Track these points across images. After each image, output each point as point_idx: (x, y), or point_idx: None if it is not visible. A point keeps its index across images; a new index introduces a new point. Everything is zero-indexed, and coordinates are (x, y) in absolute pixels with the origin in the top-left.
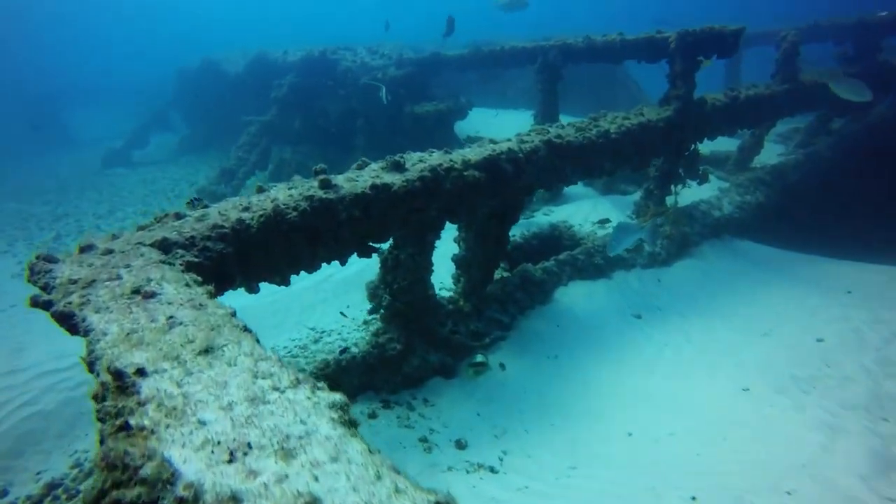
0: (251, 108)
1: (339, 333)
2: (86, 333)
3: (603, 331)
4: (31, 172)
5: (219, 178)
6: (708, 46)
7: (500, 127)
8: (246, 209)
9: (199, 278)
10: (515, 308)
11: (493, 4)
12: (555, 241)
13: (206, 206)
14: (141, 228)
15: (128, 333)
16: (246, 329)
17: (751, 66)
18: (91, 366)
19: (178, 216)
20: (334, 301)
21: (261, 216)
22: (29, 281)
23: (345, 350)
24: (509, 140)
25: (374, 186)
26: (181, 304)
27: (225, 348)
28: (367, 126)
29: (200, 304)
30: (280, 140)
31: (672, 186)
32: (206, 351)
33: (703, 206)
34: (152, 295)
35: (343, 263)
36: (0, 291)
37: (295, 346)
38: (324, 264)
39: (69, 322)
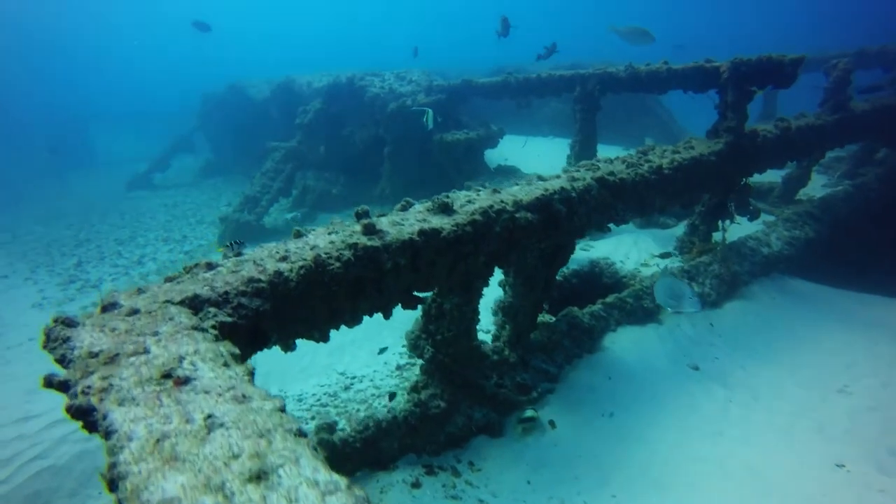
0: (276, 133)
1: (372, 380)
2: (107, 436)
3: (660, 385)
4: (57, 194)
5: (242, 205)
6: (763, 76)
7: (529, 155)
8: (284, 259)
9: (237, 350)
10: (562, 357)
11: (613, 31)
12: (595, 278)
13: (239, 254)
14: (169, 280)
15: (158, 440)
16: (301, 433)
17: (784, 93)
18: (112, 484)
19: (210, 266)
20: (365, 342)
21: (301, 268)
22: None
23: (393, 395)
24: (558, 177)
25: (422, 232)
26: (220, 395)
27: (281, 471)
28: (394, 153)
29: (244, 396)
30: (304, 166)
31: (720, 222)
32: (258, 477)
33: (750, 242)
34: (186, 381)
35: (387, 316)
36: (18, 323)
37: (324, 394)
38: None
39: (88, 418)
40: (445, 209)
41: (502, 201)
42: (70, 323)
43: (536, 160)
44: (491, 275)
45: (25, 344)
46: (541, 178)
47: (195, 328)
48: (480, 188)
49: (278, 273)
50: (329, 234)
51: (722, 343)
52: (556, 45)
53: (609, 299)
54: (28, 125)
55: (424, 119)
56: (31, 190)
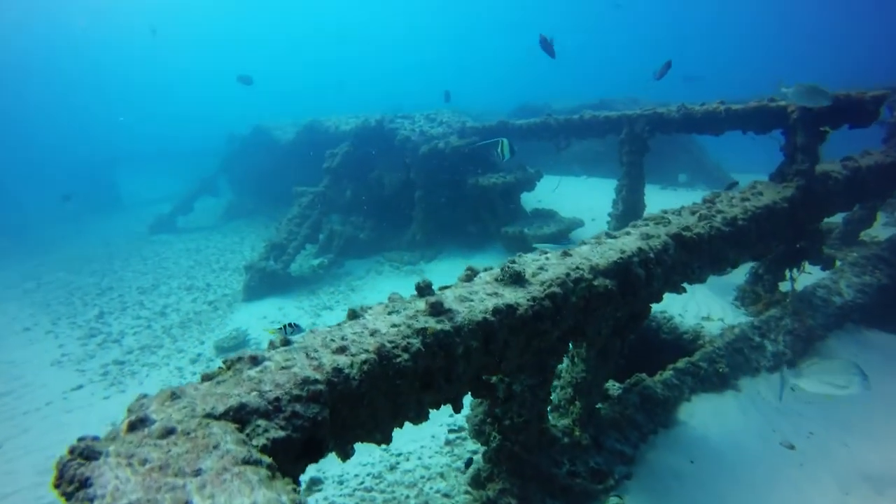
0: (299, 177)
1: (420, 458)
2: None
3: (755, 470)
4: (82, 238)
5: (268, 253)
6: (839, 115)
7: (564, 197)
8: (342, 350)
9: (297, 491)
10: (636, 434)
11: (782, 91)
12: (652, 334)
13: (287, 342)
14: (208, 378)
15: None
16: None
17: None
18: None
19: (255, 361)
20: None
21: (364, 362)
22: (56, 490)
23: (470, 462)
24: (628, 233)
25: (497, 310)
26: None
27: None
28: (425, 197)
29: None
30: (331, 211)
31: (787, 272)
32: None
33: (820, 291)
34: None
35: (457, 409)
36: (37, 383)
37: (368, 475)
38: None
39: None
40: (517, 279)
41: (578, 267)
42: (89, 454)
43: (572, 202)
44: (566, 351)
45: (43, 409)
46: (610, 235)
47: (246, 462)
48: (548, 249)
49: (337, 370)
50: (389, 313)
51: (813, 413)
52: (670, 63)
53: (680, 364)
54: (53, 167)
55: (499, 150)
56: (56, 234)
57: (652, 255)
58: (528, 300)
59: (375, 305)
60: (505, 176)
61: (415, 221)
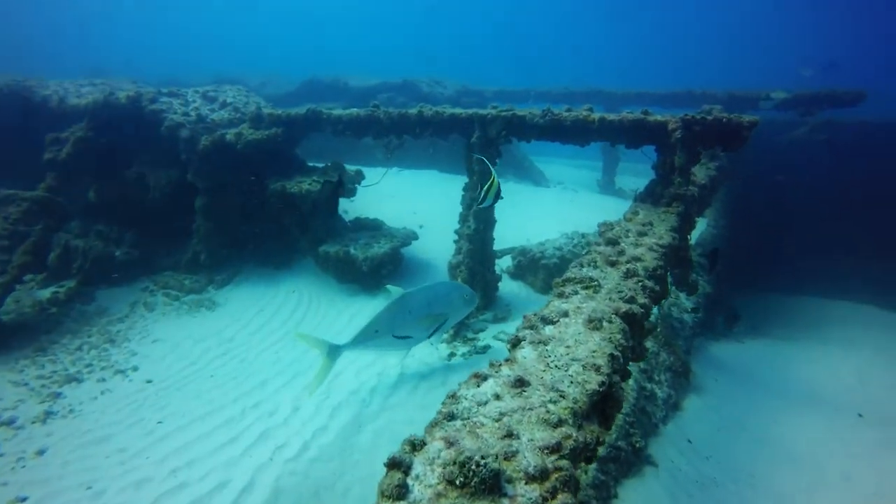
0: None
1: None
2: None
3: None
4: None
5: None
6: (717, 137)
7: (382, 197)
8: None
9: None
10: None
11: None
12: None
13: None
14: None
15: None
16: None
17: None
18: None
19: None
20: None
21: None
22: None
23: None
24: (566, 313)
25: None
26: None
27: None
28: (211, 206)
29: None
30: (66, 219)
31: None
32: None
33: (674, 310)
34: None
35: None
36: None
37: None
38: None
39: None
40: (492, 488)
41: (561, 421)
42: None
43: (393, 205)
44: None
45: None
46: (547, 320)
47: None
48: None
49: None
50: None
51: (716, 470)
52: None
53: (600, 452)
54: None
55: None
56: None
57: (622, 360)
58: None
59: None
60: (317, 180)
61: (196, 236)
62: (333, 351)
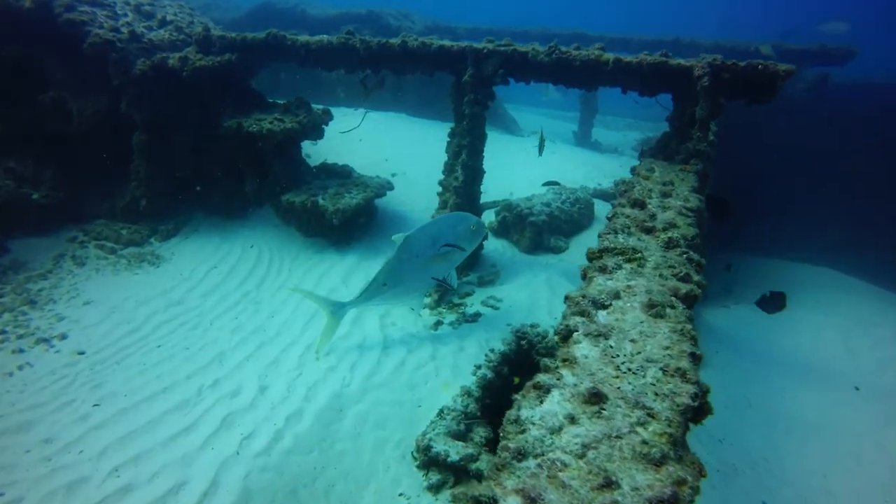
0: None
1: None
2: None
3: None
4: None
5: None
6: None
7: (349, 139)
8: None
9: None
10: None
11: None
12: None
13: None
14: None
15: None
16: None
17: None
18: None
19: None
20: None
21: None
22: None
23: None
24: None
25: None
26: None
27: None
28: (151, 143)
29: None
30: None
31: None
32: None
33: None
34: None
35: None
36: None
37: None
38: None
39: None
40: None
41: None
42: None
43: (361, 148)
44: None
45: None
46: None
47: None
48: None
49: None
50: None
51: (732, 455)
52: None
53: None
54: None
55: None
56: None
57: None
58: None
59: None
60: (283, 119)
61: (135, 178)
62: (338, 309)
